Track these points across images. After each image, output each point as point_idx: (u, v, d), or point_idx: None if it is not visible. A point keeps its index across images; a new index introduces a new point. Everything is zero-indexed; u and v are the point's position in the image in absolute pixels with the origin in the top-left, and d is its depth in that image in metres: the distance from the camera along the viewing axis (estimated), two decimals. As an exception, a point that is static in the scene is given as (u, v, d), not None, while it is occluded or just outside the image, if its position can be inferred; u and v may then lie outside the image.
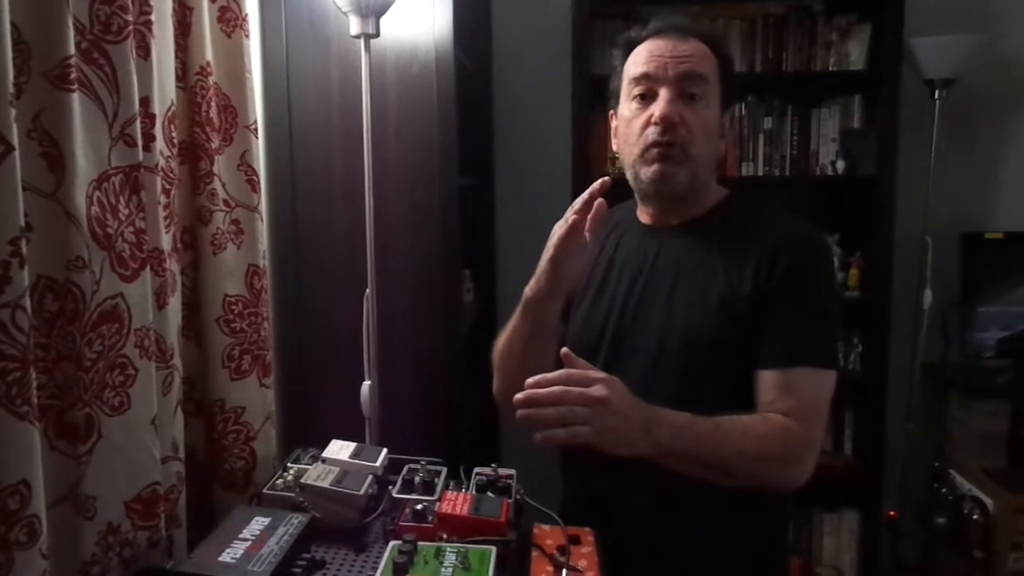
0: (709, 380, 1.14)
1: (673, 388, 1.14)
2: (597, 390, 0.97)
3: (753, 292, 1.13)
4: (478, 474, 1.26)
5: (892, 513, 2.64)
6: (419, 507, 1.14)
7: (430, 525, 1.10)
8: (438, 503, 1.12)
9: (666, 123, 1.14)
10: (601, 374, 1.00)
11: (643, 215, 1.28)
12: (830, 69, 2.51)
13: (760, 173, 2.57)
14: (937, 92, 2.44)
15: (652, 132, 1.16)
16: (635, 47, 1.20)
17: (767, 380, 1.12)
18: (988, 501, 2.35)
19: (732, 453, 1.06)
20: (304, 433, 1.68)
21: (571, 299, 1.32)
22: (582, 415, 0.96)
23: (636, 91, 1.18)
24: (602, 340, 1.24)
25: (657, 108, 1.15)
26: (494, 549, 1.09)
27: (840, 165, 2.52)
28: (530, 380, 0.98)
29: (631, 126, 1.19)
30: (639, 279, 1.23)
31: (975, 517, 2.35)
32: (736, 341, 1.13)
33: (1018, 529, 2.30)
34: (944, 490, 2.52)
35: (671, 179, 1.17)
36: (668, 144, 1.15)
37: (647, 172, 1.18)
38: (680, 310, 1.17)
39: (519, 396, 0.98)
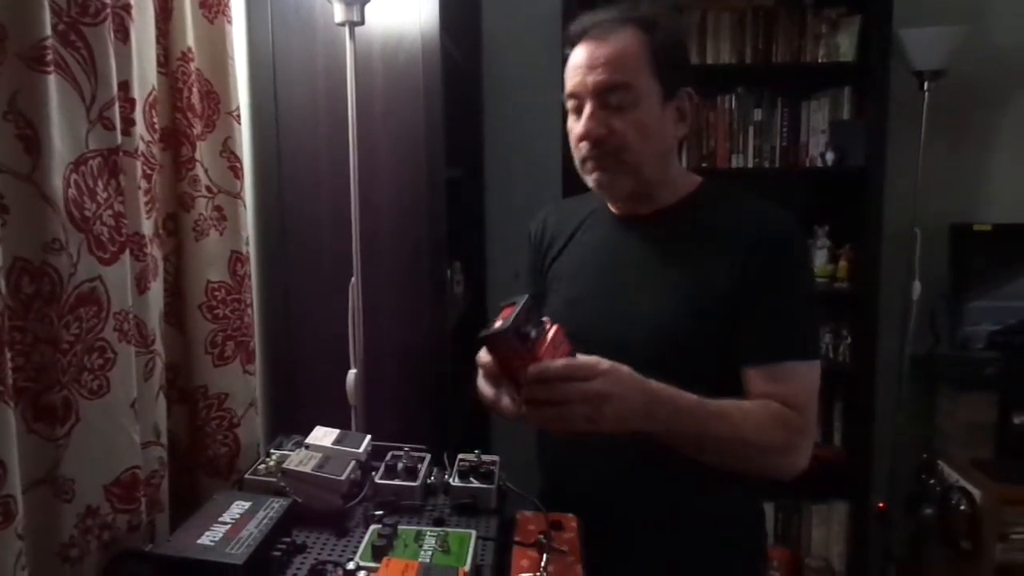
0: (678, 377, 1.11)
1: None
2: (598, 385, 0.93)
3: (729, 288, 1.11)
4: (461, 461, 1.27)
5: (881, 504, 2.65)
6: (524, 331, 0.97)
7: (528, 352, 0.97)
8: (541, 334, 0.98)
9: (589, 139, 1.14)
10: (605, 364, 0.95)
11: (612, 205, 1.27)
12: (820, 61, 2.52)
13: (750, 165, 2.58)
14: (926, 84, 2.45)
15: (583, 146, 1.16)
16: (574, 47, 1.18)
17: (756, 375, 1.10)
18: (975, 492, 2.36)
19: (733, 440, 1.04)
20: (290, 421, 1.68)
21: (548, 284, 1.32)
22: (582, 413, 0.93)
23: (569, 105, 1.18)
24: (572, 334, 1.23)
25: (580, 124, 1.14)
26: (474, 532, 1.09)
27: (829, 157, 2.53)
28: (532, 371, 0.93)
29: (570, 137, 1.19)
30: (606, 272, 1.22)
31: (962, 508, 2.36)
32: (706, 339, 1.11)
33: (1005, 519, 2.31)
34: (932, 481, 2.53)
35: (611, 187, 1.18)
36: (599, 156, 1.15)
37: (589, 181, 1.19)
38: (646, 305, 1.15)
39: (524, 393, 0.95)
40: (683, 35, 1.19)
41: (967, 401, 2.53)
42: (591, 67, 1.12)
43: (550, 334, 0.98)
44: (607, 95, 1.12)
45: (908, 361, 2.63)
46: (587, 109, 1.13)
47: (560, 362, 0.94)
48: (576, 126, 1.15)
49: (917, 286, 2.57)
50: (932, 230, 2.57)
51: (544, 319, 1.00)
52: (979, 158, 2.71)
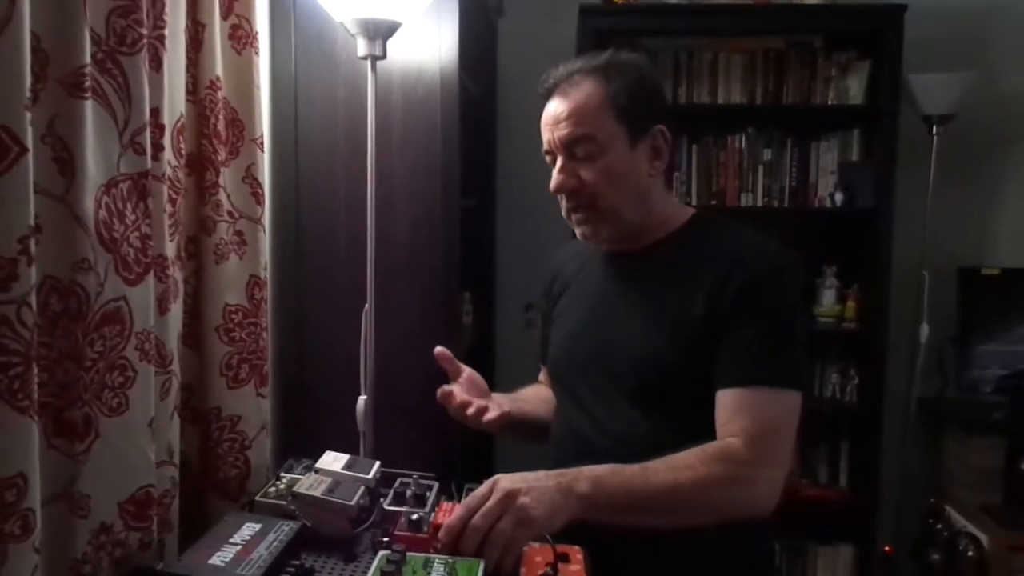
0: (669, 405, 1.13)
1: (637, 415, 1.15)
2: (499, 492, 0.96)
3: (706, 313, 1.12)
4: (469, 489, 1.27)
5: (887, 548, 2.62)
6: (414, 517, 1.14)
7: (425, 535, 1.10)
8: (433, 513, 1.12)
9: (563, 192, 1.19)
10: (494, 477, 1.00)
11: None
12: (829, 103, 2.55)
13: (759, 204, 2.61)
14: (935, 127, 2.48)
15: (562, 200, 1.21)
16: None
17: (722, 400, 1.10)
18: (983, 537, 2.34)
19: (665, 490, 1.03)
20: (300, 444, 1.69)
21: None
22: (509, 524, 0.95)
23: (548, 160, 1.23)
24: (569, 371, 1.26)
25: (553, 179, 1.19)
26: (482, 562, 1.09)
27: (839, 197, 2.55)
28: (442, 538, 1.00)
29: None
30: (598, 307, 1.25)
31: (970, 554, 2.33)
32: (690, 365, 1.12)
33: (1012, 566, 2.28)
34: (939, 526, 2.50)
35: (595, 236, 1.22)
36: (577, 208, 1.19)
37: (576, 233, 1.24)
38: (635, 335, 1.18)
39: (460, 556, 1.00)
40: (647, 77, 1.21)
41: (975, 445, 2.51)
42: (556, 122, 1.17)
43: (440, 504, 1.10)
44: (573, 147, 1.17)
45: (916, 403, 2.62)
46: (559, 163, 1.19)
47: (455, 514, 1.00)
48: (552, 180, 1.20)
49: (925, 328, 2.57)
50: (940, 273, 2.58)
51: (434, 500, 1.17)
52: (987, 202, 2.73)
